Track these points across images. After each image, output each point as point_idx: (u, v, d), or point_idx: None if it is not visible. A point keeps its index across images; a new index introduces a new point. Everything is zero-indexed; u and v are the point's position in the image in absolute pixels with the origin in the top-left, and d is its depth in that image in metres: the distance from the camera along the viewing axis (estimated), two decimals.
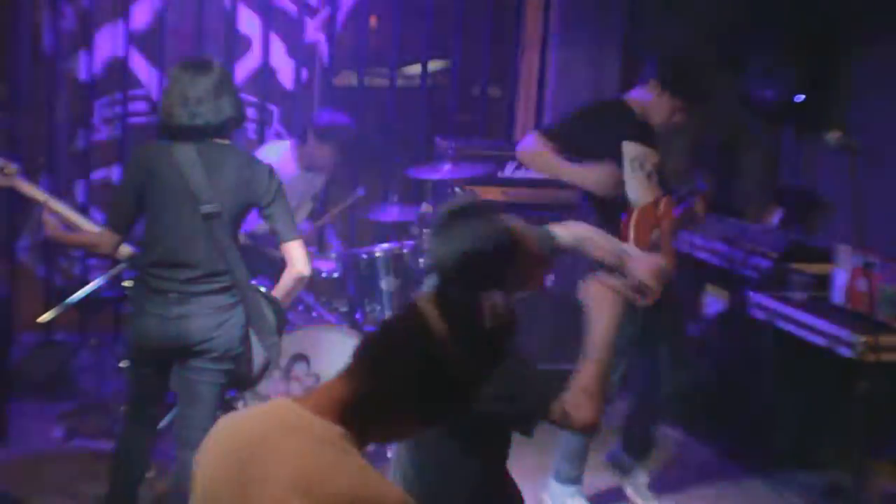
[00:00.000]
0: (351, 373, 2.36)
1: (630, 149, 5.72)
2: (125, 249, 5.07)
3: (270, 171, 4.97)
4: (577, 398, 3.25)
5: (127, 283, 5.42)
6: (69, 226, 5.05)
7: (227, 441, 2.35)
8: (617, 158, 5.68)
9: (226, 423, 2.43)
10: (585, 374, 3.29)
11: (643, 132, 5.76)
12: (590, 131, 5.75)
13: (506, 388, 3.12)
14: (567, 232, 3.96)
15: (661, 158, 5.80)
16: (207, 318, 4.83)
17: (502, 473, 3.55)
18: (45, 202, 5.05)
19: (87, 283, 5.87)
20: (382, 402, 2.32)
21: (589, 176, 5.63)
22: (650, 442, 6.16)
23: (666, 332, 5.85)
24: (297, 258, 4.94)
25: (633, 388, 6.05)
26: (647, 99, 5.75)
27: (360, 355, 2.38)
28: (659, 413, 6.13)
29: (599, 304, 3.42)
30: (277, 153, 6.66)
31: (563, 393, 3.26)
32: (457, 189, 7.17)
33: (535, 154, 5.74)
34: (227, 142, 4.93)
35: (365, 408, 2.31)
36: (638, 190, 5.70)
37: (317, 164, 6.80)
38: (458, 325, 2.30)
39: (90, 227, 5.06)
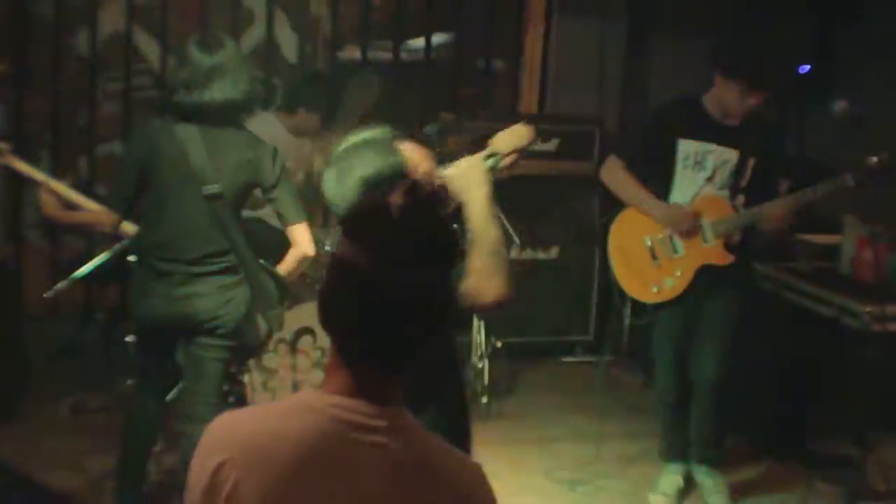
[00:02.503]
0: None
1: (685, 146, 5.71)
2: (127, 227, 5.05)
3: (274, 151, 4.93)
4: (476, 282, 3.27)
5: (132, 259, 5.41)
6: (69, 205, 5.01)
7: (273, 453, 2.16)
8: (673, 156, 5.70)
9: (253, 428, 2.22)
10: (475, 258, 3.29)
11: (710, 129, 5.70)
12: (650, 137, 5.84)
13: None
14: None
15: (751, 160, 5.71)
16: (213, 298, 4.83)
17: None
18: (44, 181, 4.99)
19: (92, 258, 5.86)
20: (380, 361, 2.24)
21: (656, 211, 5.74)
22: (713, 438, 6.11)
23: (716, 327, 5.83)
24: (302, 240, 4.93)
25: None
26: (718, 92, 5.66)
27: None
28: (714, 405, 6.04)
29: (468, 184, 3.44)
30: (263, 123, 6.65)
31: (463, 282, 3.27)
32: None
33: (613, 179, 5.87)
34: (230, 121, 4.88)
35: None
36: (686, 188, 5.71)
37: (305, 130, 6.80)
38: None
39: (91, 205, 5.02)
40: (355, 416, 2.17)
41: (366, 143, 3.42)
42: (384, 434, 2.17)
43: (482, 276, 3.29)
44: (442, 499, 2.20)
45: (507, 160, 3.79)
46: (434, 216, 2.24)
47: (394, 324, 2.17)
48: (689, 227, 5.66)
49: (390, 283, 2.14)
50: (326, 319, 2.22)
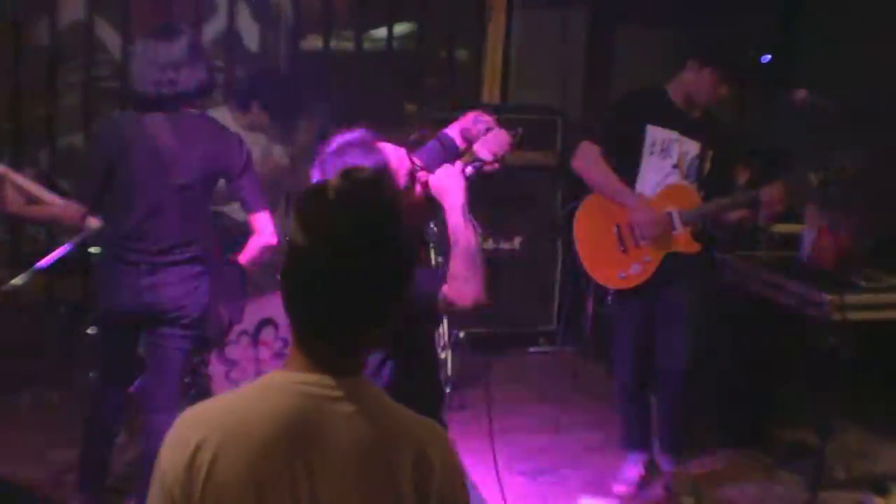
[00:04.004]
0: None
1: (653, 133, 5.73)
2: (93, 221, 5.01)
3: (240, 140, 4.96)
4: (454, 286, 3.45)
5: (94, 250, 5.38)
6: (31, 199, 4.94)
7: (250, 431, 2.24)
8: (640, 142, 5.72)
9: (225, 414, 2.29)
10: (453, 262, 3.49)
11: (676, 119, 5.74)
12: (621, 121, 5.84)
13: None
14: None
15: (710, 153, 5.76)
16: (178, 287, 4.83)
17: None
18: (4, 174, 4.82)
19: (54, 249, 5.82)
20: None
21: (634, 210, 5.72)
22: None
23: (684, 314, 5.85)
24: (264, 228, 4.94)
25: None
26: (688, 80, 5.70)
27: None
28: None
29: (447, 191, 3.62)
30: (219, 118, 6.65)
31: (442, 285, 3.47)
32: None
33: (588, 167, 5.82)
34: (196, 111, 4.89)
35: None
36: (652, 174, 5.73)
37: (259, 127, 6.81)
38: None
39: (53, 199, 4.94)
40: (318, 388, 2.28)
41: (350, 145, 3.56)
42: (346, 403, 2.28)
43: (460, 280, 3.46)
44: (405, 459, 2.29)
45: (489, 167, 3.87)
46: (369, 198, 2.30)
47: (336, 303, 2.26)
48: (660, 233, 5.69)
49: (328, 263, 2.24)
50: (284, 300, 2.32)
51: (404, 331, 2.89)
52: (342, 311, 2.27)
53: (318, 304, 2.27)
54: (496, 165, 3.95)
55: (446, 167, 3.72)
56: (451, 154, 4.00)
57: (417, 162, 3.76)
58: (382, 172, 3.45)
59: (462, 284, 3.46)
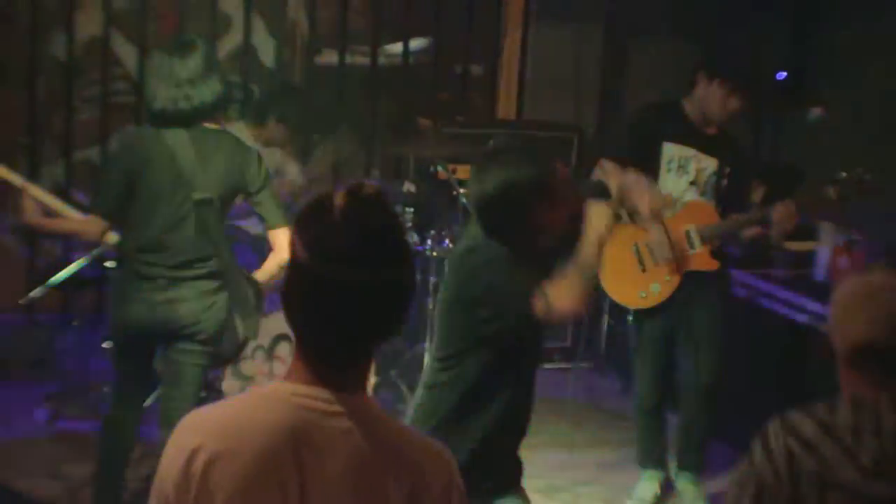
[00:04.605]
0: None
1: (669, 149, 5.72)
2: (112, 237, 5.00)
3: (259, 156, 4.96)
4: (559, 289, 3.73)
5: (110, 264, 5.38)
6: (49, 212, 4.93)
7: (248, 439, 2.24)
8: (657, 159, 5.71)
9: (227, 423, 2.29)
10: (571, 272, 3.77)
11: (692, 135, 5.73)
12: (637, 138, 5.80)
13: (494, 308, 3.76)
14: (613, 181, 4.31)
15: (726, 169, 5.76)
16: (195, 302, 4.82)
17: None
18: (23, 187, 4.84)
19: (69, 263, 5.84)
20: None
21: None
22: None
23: (708, 331, 5.84)
24: (283, 244, 4.92)
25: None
26: (700, 95, 5.69)
27: None
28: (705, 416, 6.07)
29: (590, 223, 3.86)
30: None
31: (544, 289, 3.72)
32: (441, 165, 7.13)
33: (605, 174, 5.76)
34: (217, 126, 4.90)
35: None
36: (670, 191, 5.70)
37: (275, 141, 6.83)
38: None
39: (71, 214, 4.95)
40: (317, 403, 2.26)
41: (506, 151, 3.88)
42: (345, 419, 2.27)
43: (567, 286, 3.74)
44: (405, 479, 2.28)
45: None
46: (373, 217, 2.28)
47: (339, 320, 2.26)
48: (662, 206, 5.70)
49: (331, 281, 2.23)
50: (286, 314, 2.32)
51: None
52: (345, 328, 2.26)
53: (321, 320, 2.26)
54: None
55: (599, 203, 3.96)
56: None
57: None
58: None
59: (566, 290, 3.73)
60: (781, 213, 5.55)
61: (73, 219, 4.95)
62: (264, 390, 2.35)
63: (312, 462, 2.23)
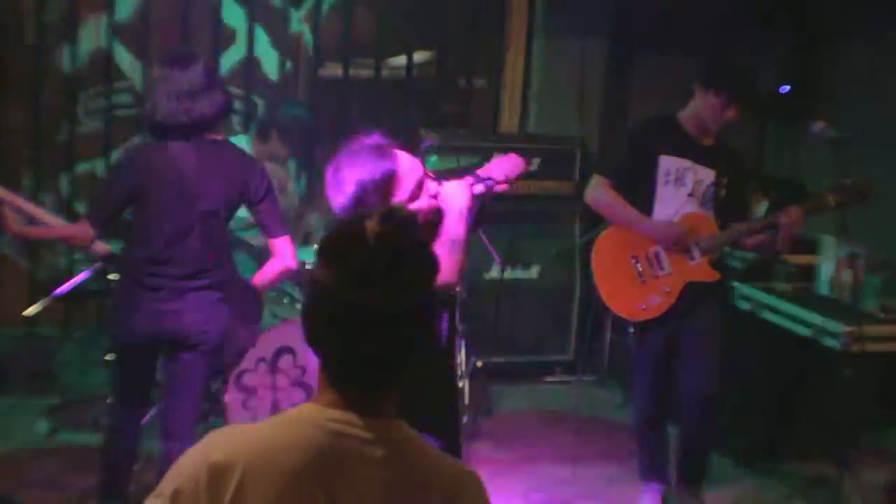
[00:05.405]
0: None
1: (666, 162, 5.72)
2: (101, 246, 5.02)
3: (263, 167, 5.00)
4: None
5: (112, 277, 5.39)
6: (34, 221, 4.89)
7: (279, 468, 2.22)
8: (654, 173, 5.71)
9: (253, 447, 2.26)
10: (438, 247, 4.01)
11: (688, 147, 5.73)
12: (633, 153, 5.81)
13: None
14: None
15: (724, 180, 5.76)
16: (199, 313, 4.84)
17: None
18: (4, 197, 4.77)
19: (71, 276, 5.84)
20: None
21: (651, 229, 5.74)
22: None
23: (707, 342, 5.84)
24: (284, 252, 4.95)
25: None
26: (697, 106, 5.70)
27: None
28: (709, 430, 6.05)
29: (452, 198, 4.17)
30: None
31: None
32: None
33: (600, 200, 5.82)
34: (220, 137, 4.92)
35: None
36: (669, 204, 5.71)
37: (278, 156, 6.84)
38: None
39: (54, 221, 4.96)
40: (351, 428, 2.24)
41: (365, 148, 3.97)
42: (379, 446, 2.25)
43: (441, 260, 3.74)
44: None
45: (499, 187, 4.03)
46: (408, 242, 2.28)
47: (370, 347, 2.24)
48: (684, 244, 5.68)
49: (366, 308, 2.21)
50: (310, 339, 2.30)
51: None
52: (376, 357, 2.25)
53: (351, 348, 2.24)
54: (505, 186, 4.11)
55: (455, 181, 4.05)
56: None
57: (431, 173, 3.90)
58: (416, 214, 3.61)
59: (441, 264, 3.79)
60: (790, 217, 5.55)
61: (57, 226, 4.96)
62: (293, 413, 2.31)
63: (344, 488, 2.21)
